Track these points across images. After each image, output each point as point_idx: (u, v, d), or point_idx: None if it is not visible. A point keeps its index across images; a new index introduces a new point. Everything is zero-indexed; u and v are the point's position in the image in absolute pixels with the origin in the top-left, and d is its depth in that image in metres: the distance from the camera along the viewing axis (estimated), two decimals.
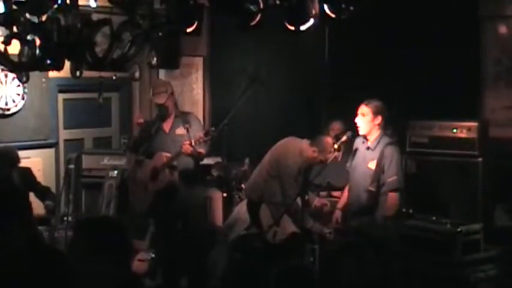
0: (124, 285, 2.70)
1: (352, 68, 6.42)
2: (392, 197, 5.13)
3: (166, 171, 5.70)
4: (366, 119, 5.18)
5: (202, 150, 5.68)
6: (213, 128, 5.66)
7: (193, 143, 5.50)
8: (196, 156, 5.72)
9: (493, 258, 5.11)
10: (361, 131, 5.23)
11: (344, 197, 5.49)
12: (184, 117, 5.80)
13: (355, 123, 5.26)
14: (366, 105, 5.18)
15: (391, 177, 5.13)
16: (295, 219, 5.57)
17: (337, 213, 5.41)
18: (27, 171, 6.05)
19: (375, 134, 5.23)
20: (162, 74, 7.67)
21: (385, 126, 5.25)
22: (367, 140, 5.27)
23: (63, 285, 2.67)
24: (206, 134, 5.54)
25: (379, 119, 5.18)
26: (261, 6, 4.38)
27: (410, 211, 5.35)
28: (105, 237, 2.71)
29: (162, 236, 6.01)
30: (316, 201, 5.66)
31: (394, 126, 5.51)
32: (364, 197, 5.18)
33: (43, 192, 6.04)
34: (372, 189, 5.14)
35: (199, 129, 5.75)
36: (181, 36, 5.97)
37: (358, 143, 5.34)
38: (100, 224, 2.81)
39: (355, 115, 5.28)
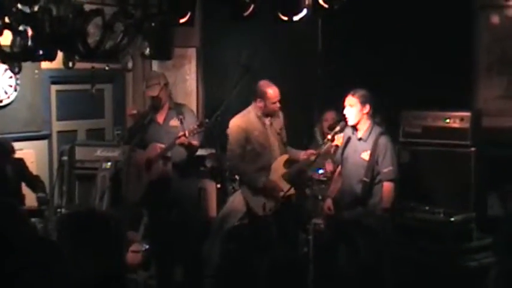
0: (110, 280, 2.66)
1: (345, 58, 6.42)
2: (388, 187, 5.14)
3: (160, 162, 5.70)
4: (354, 110, 5.17)
5: (195, 142, 5.67)
6: (207, 120, 5.64)
7: (187, 134, 5.49)
8: (190, 148, 5.71)
9: (486, 247, 5.14)
10: (351, 122, 5.22)
11: (335, 185, 5.48)
12: (178, 109, 5.79)
13: (344, 115, 5.25)
14: (353, 95, 5.16)
15: (386, 167, 5.13)
16: (242, 180, 5.83)
17: (329, 202, 5.39)
18: (20, 162, 6.05)
19: (365, 124, 5.22)
20: (155, 65, 7.66)
21: (373, 115, 5.25)
22: (357, 130, 5.26)
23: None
24: (200, 126, 5.53)
25: (367, 107, 5.17)
26: None
27: (412, 205, 5.38)
28: (90, 231, 2.66)
29: (155, 227, 6.00)
30: (302, 154, 5.67)
31: (387, 116, 5.52)
32: (357, 187, 5.18)
33: (34, 183, 6.04)
34: (366, 179, 5.14)
35: (193, 121, 5.73)
36: (173, 27, 5.95)
37: (348, 133, 5.33)
38: (84, 218, 2.75)
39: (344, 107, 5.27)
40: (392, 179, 5.14)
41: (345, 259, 5.27)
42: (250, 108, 5.68)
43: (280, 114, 5.78)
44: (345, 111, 5.21)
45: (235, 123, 5.66)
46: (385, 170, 5.13)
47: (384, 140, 5.18)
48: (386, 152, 5.15)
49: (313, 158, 5.53)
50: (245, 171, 5.74)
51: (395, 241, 5.30)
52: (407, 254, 5.23)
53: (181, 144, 5.58)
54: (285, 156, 5.67)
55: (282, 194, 5.54)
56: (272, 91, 5.59)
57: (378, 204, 5.12)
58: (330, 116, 6.29)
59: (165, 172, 5.71)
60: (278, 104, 5.64)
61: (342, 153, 5.33)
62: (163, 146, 5.67)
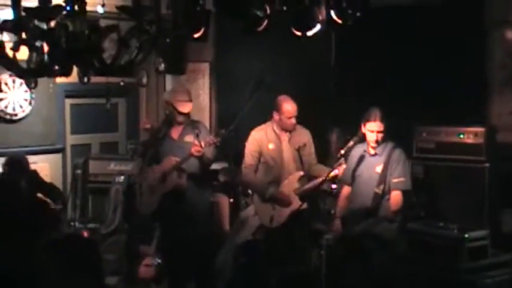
0: None
1: (359, 73, 6.42)
2: (396, 195, 5.15)
3: (174, 174, 5.72)
4: (382, 134, 5.19)
5: (210, 155, 5.72)
6: (223, 130, 5.67)
7: (203, 145, 5.51)
8: (204, 161, 5.73)
9: (500, 264, 5.10)
10: (377, 145, 5.23)
11: (341, 205, 5.48)
12: (193, 125, 5.84)
13: (369, 140, 5.23)
14: (381, 121, 5.16)
15: (396, 178, 5.16)
16: (252, 189, 5.97)
17: (337, 223, 5.40)
18: (33, 173, 6.08)
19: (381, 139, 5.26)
20: (168, 80, 7.69)
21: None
22: (370, 146, 5.27)
23: None
24: (216, 136, 5.57)
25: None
26: (268, 11, 4.38)
27: (422, 214, 5.36)
28: (77, 256, 2.70)
29: (168, 241, 6.01)
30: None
31: (401, 131, 5.51)
32: (369, 199, 5.19)
33: (51, 191, 6.06)
34: (378, 191, 5.16)
35: (207, 138, 5.77)
36: (187, 41, 5.98)
37: (359, 151, 5.33)
38: (71, 243, 2.78)
39: (360, 123, 5.26)
40: (402, 189, 5.14)
41: (357, 273, 5.24)
42: (270, 121, 5.78)
43: (305, 131, 5.85)
44: (372, 137, 5.18)
45: (253, 135, 5.83)
46: (395, 180, 5.16)
47: (397, 153, 5.23)
48: (399, 164, 5.19)
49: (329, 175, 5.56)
50: (254, 181, 5.81)
51: (408, 257, 5.28)
52: (421, 270, 5.19)
53: (196, 156, 5.60)
54: (300, 173, 5.74)
55: (293, 209, 5.57)
56: (288, 106, 5.67)
57: (388, 216, 5.13)
58: (333, 138, 6.26)
59: (179, 185, 5.73)
60: (293, 120, 5.69)
61: (354, 171, 5.32)
62: (178, 159, 5.70)
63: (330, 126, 6.48)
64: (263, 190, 5.75)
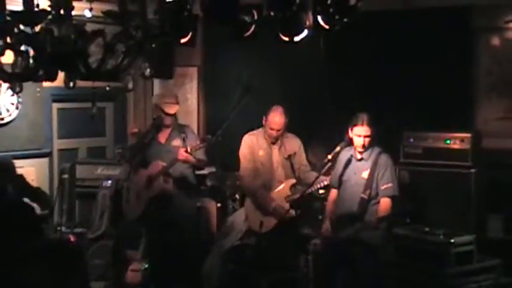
0: None
1: (348, 79, 6.44)
2: (385, 202, 5.16)
3: (161, 178, 5.74)
4: (370, 138, 5.19)
5: (201, 157, 5.76)
6: (209, 136, 5.70)
7: (189, 150, 5.54)
8: (195, 164, 5.76)
9: (486, 269, 5.13)
10: (364, 149, 5.24)
11: (330, 208, 5.49)
12: (181, 129, 5.88)
13: (357, 145, 5.23)
14: (368, 126, 5.16)
15: (385, 184, 5.16)
16: (256, 199, 5.84)
17: (326, 225, 5.41)
18: (19, 178, 6.05)
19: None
20: (156, 84, 7.68)
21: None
22: (357, 152, 5.28)
23: None
24: (202, 141, 5.61)
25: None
26: (255, 17, 4.38)
27: (408, 220, 5.38)
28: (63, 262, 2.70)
29: (154, 246, 6.00)
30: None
31: (388, 137, 5.53)
32: (355, 204, 5.20)
33: (38, 197, 6.02)
34: (365, 196, 5.17)
35: (195, 140, 5.81)
36: (175, 46, 5.97)
37: (346, 155, 5.34)
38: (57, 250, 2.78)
39: (347, 128, 5.27)
40: (391, 195, 5.15)
41: (345, 279, 5.25)
42: (262, 128, 5.86)
43: (296, 140, 5.88)
44: (359, 141, 5.18)
45: (244, 140, 5.89)
46: (384, 187, 5.16)
47: (384, 158, 5.23)
48: (386, 169, 5.19)
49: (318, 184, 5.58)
50: (259, 192, 5.80)
51: (394, 261, 5.29)
52: (407, 276, 5.21)
53: (185, 161, 5.63)
54: (293, 180, 5.79)
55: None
56: (275, 118, 5.71)
57: (373, 221, 5.14)
58: (313, 150, 6.25)
59: (165, 189, 5.74)
60: (275, 133, 5.72)
61: (341, 176, 5.33)
62: (165, 164, 5.71)
63: (310, 140, 6.48)
64: (267, 203, 5.74)
